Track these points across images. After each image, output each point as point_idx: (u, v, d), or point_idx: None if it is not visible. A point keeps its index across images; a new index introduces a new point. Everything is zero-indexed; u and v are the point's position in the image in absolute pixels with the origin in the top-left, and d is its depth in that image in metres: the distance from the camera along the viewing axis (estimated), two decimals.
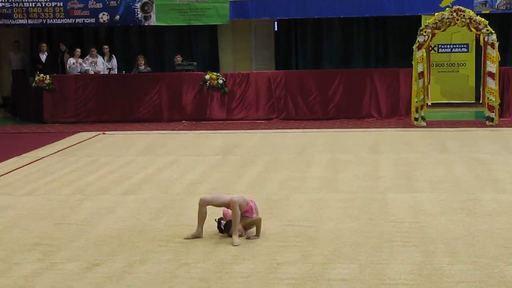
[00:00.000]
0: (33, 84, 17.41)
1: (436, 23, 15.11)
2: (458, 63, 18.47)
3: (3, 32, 20.69)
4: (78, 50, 18.54)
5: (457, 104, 18.22)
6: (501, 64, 15.57)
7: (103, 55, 18.77)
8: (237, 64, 20.51)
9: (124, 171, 10.97)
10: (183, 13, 19.15)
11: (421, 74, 15.23)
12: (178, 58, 18.38)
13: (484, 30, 14.99)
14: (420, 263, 6.41)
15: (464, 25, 15.18)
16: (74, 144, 13.83)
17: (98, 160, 11.98)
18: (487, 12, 17.90)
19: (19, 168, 11.44)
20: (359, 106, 16.79)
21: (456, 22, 15.06)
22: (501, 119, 15.59)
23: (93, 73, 18.18)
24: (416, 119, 15.39)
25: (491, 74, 15.07)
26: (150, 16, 19.20)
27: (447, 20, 15.06)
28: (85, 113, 17.35)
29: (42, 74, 17.39)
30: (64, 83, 17.49)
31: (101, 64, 18.50)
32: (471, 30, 15.30)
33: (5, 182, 10.36)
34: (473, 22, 15.01)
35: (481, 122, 15.52)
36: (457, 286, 5.85)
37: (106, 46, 19.00)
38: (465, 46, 18.36)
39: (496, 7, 18.17)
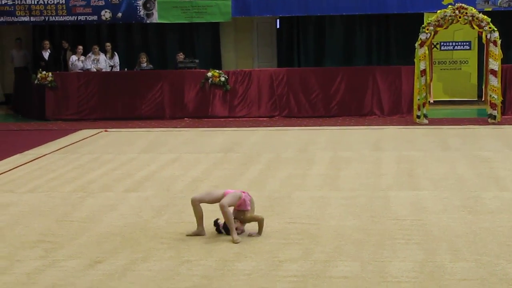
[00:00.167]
0: (36, 82, 17.43)
1: (438, 20, 15.10)
2: (460, 61, 18.46)
3: (5, 30, 20.70)
4: (80, 47, 18.56)
5: (459, 101, 18.22)
6: (503, 61, 15.55)
7: (105, 52, 18.78)
8: (239, 61, 20.52)
9: (126, 169, 10.98)
10: (185, 10, 19.15)
11: (423, 72, 15.22)
12: (181, 56, 18.39)
13: (487, 28, 14.97)
14: (422, 260, 6.41)
15: (466, 23, 15.17)
16: (76, 142, 13.84)
17: (100, 158, 11.99)
18: (490, 9, 17.89)
19: (21, 165, 11.45)
20: (361, 104, 16.79)
21: (459, 19, 15.04)
22: (503, 116, 15.58)
23: (95, 70, 18.20)
24: (418, 117, 15.38)
25: (493, 72, 15.06)
26: (152, 13, 19.21)
27: (450, 18, 15.05)
28: (87, 110, 17.36)
29: (44, 72, 17.42)
30: (67, 80, 17.51)
31: (103, 62, 18.52)
32: (473, 28, 15.28)
33: (8, 180, 10.38)
34: (475, 20, 15.00)
35: (483, 119, 15.51)
36: (459, 283, 5.85)
37: (108, 44, 19.03)
38: (467, 43, 18.35)
39: (498, 4, 18.15)
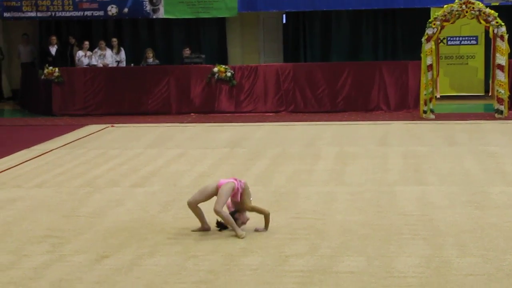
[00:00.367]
0: (42, 77, 17.46)
1: (445, 15, 15.06)
2: (467, 56, 18.41)
3: (12, 25, 20.74)
4: (87, 43, 18.59)
5: (466, 96, 18.18)
6: (510, 56, 15.50)
7: (111, 48, 18.80)
8: (246, 56, 20.51)
9: (132, 164, 11.00)
10: (191, 5, 19.15)
11: (430, 67, 15.18)
12: (187, 51, 18.39)
13: (494, 22, 14.92)
14: (429, 256, 6.40)
15: (473, 17, 15.13)
16: (83, 137, 13.87)
17: (106, 153, 12.01)
18: (497, 4, 17.81)
19: (28, 160, 11.48)
20: (367, 99, 16.77)
21: (465, 14, 15.00)
22: (510, 111, 15.51)
23: (101, 66, 18.22)
24: (424, 112, 15.35)
25: (500, 67, 15.01)
26: (159, 8, 19.21)
27: (456, 13, 15.01)
28: (94, 105, 17.39)
29: (51, 67, 17.44)
30: (73, 75, 17.53)
31: (109, 57, 18.54)
32: (480, 23, 15.24)
33: (15, 175, 10.41)
34: (482, 14, 14.96)
35: (490, 114, 15.47)
36: (465, 279, 5.84)
37: (114, 39, 19.04)
38: (474, 38, 18.30)
39: None
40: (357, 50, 20.02)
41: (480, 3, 15.30)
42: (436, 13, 15.59)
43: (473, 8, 14.93)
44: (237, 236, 7.03)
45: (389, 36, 20.00)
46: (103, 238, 7.18)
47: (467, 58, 18.42)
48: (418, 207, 8.08)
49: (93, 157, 11.67)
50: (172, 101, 17.21)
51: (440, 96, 15.99)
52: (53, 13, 19.43)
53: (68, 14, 19.39)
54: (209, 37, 20.59)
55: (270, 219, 7.29)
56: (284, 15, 20.43)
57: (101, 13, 19.35)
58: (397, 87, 16.72)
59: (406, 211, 7.89)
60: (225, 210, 7.15)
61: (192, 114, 16.98)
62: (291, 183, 9.43)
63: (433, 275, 5.94)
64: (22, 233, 7.43)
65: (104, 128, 14.99)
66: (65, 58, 19.30)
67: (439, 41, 16.25)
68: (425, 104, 15.33)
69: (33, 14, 19.51)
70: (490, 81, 15.85)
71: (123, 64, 18.77)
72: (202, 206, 7.27)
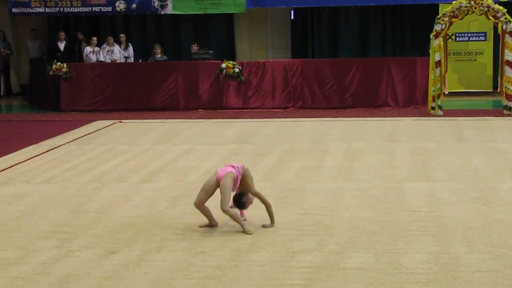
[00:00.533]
0: (51, 73, 17.50)
1: (453, 11, 15.01)
2: (475, 52, 18.36)
3: (20, 21, 20.79)
4: (95, 38, 18.61)
5: (474, 93, 18.14)
6: None
7: (119, 43, 18.82)
8: (253, 52, 20.51)
9: (140, 159, 11.01)
10: (199, 1, 19.16)
11: (438, 63, 15.14)
12: (195, 47, 18.40)
13: (503, 19, 14.87)
14: (437, 252, 6.39)
15: (482, 14, 15.07)
16: (91, 133, 13.89)
17: (114, 148, 12.03)
18: (506, 0, 17.75)
19: (36, 156, 11.51)
20: (375, 95, 16.75)
21: (474, 10, 14.94)
22: None
23: (109, 61, 18.24)
24: (433, 108, 15.32)
25: (509, 63, 14.96)
26: (167, 4, 19.23)
27: (465, 9, 14.96)
28: (102, 101, 17.42)
29: (59, 63, 17.48)
30: (81, 71, 17.56)
31: (117, 53, 18.56)
32: (489, 19, 15.18)
33: (23, 170, 10.44)
34: (491, 10, 14.90)
35: (498, 111, 15.42)
36: (473, 275, 5.83)
37: (122, 35, 19.07)
38: (483, 34, 18.24)
39: None
40: (365, 46, 20.00)
41: None
42: (445, 9, 15.54)
43: (481, 4, 14.88)
44: (244, 232, 7.04)
45: (398, 32, 19.97)
46: (111, 233, 7.20)
47: (475, 55, 18.36)
48: (426, 203, 8.07)
49: (101, 152, 11.69)
50: (180, 97, 17.22)
51: (449, 92, 15.96)
52: (62, 9, 19.48)
53: (76, 10, 19.44)
54: (217, 33, 20.60)
55: (278, 215, 7.28)
56: (292, 11, 20.42)
57: (109, 9, 19.39)
58: (405, 83, 16.68)
59: (414, 208, 7.88)
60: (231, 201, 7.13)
61: (200, 110, 16.99)
62: (299, 179, 9.42)
63: (441, 271, 5.93)
64: (30, 228, 7.46)
65: (112, 124, 15.02)
66: (73, 54, 19.35)
67: (448, 37, 16.20)
68: (433, 100, 15.29)
69: (41, 9, 19.56)
70: (499, 78, 15.79)
71: (131, 60, 18.80)
72: (208, 203, 7.25)
